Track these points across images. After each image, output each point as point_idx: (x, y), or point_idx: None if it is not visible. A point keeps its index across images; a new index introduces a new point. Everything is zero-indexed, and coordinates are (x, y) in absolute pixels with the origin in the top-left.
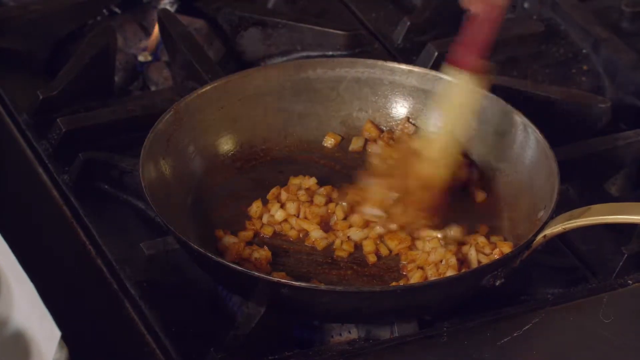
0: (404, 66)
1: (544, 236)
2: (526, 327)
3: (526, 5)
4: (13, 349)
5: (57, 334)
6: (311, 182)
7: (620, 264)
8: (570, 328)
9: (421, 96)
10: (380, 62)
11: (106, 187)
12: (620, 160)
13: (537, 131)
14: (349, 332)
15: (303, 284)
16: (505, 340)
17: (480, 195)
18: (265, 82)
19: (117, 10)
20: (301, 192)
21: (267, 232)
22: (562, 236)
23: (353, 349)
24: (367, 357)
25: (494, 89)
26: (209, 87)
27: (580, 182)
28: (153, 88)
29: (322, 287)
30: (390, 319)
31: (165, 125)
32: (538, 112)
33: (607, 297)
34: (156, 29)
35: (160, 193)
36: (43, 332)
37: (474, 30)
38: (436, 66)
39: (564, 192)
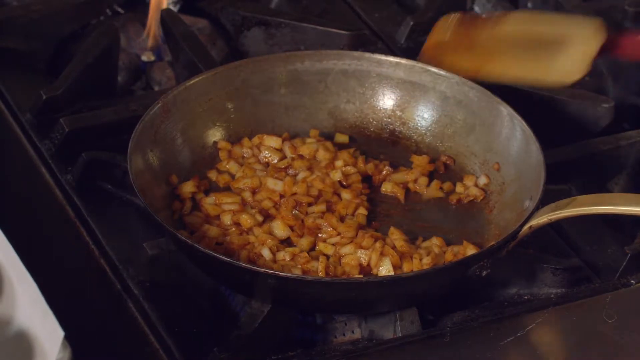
0: (391, 58)
1: (530, 227)
2: (529, 327)
3: (529, 5)
4: (16, 349)
5: (60, 333)
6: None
7: (624, 264)
8: (573, 328)
9: (408, 88)
10: (367, 55)
11: (109, 186)
12: (623, 160)
13: (523, 122)
14: (352, 332)
15: (308, 277)
16: (508, 340)
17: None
18: (253, 74)
19: (120, 10)
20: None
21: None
22: (565, 236)
23: (356, 348)
24: (370, 357)
25: (494, 87)
26: (196, 79)
27: (583, 182)
28: (156, 88)
29: (308, 277)
30: (378, 308)
31: (152, 117)
32: (542, 112)
33: (610, 297)
34: (153, 26)
35: (148, 184)
36: (46, 331)
37: None
38: None
39: (566, 191)
